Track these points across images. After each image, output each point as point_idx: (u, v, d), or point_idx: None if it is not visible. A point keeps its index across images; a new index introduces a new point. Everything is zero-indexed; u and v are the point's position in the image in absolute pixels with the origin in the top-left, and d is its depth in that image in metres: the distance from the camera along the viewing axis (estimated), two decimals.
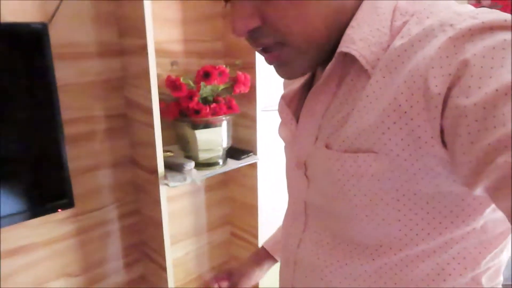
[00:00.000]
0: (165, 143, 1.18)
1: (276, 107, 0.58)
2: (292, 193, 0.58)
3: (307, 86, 0.55)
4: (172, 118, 1.16)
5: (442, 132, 0.37)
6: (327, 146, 0.46)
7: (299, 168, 0.53)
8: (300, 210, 0.55)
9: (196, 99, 1.12)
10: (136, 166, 1.21)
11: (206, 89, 1.15)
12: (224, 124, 1.20)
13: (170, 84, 1.12)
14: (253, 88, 1.25)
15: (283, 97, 0.55)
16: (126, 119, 1.18)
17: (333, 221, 0.50)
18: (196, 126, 1.16)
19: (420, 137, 0.38)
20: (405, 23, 0.42)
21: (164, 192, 1.11)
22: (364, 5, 0.43)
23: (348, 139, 0.43)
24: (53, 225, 1.10)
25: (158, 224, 1.15)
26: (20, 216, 0.96)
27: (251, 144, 1.33)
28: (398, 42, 0.40)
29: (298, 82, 0.55)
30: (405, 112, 0.38)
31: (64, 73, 1.03)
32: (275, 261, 0.83)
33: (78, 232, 1.16)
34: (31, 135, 0.95)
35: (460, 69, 0.34)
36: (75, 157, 1.10)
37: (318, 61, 0.47)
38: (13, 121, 0.91)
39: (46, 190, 0.99)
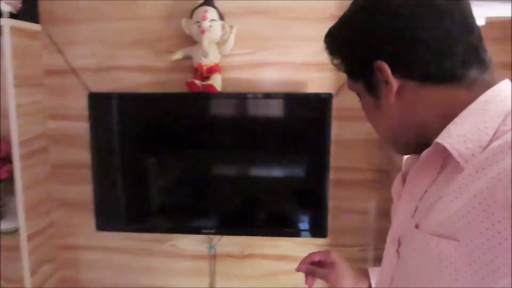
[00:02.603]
0: None
1: None
2: (383, 265, 0.61)
3: None
4: None
5: None
6: (416, 226, 0.50)
7: (393, 244, 0.56)
8: (385, 283, 0.59)
9: None
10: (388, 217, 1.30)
11: None
12: None
13: None
14: None
15: (403, 174, 0.61)
16: (388, 175, 1.31)
17: None
18: None
19: (500, 232, 0.39)
20: None
21: None
22: (472, 106, 0.47)
23: (435, 222, 0.46)
24: (310, 248, 1.37)
25: None
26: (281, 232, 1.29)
27: None
28: (496, 142, 0.43)
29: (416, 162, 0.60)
30: (489, 205, 0.40)
31: (342, 131, 1.30)
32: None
33: None
34: (304, 172, 1.27)
35: None
36: (337, 198, 1.33)
37: (416, 148, 0.53)
38: (293, 160, 1.27)
39: (304, 218, 1.28)
